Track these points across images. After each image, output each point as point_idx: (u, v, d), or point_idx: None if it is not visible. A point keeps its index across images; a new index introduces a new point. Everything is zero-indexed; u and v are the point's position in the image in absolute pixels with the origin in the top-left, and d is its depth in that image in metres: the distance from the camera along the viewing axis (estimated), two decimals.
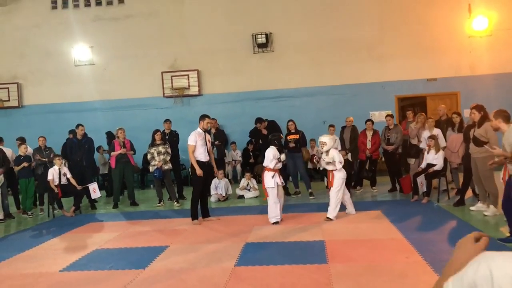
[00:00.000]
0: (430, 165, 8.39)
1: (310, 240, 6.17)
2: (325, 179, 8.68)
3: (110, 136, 11.58)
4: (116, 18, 14.19)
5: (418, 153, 9.08)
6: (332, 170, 7.37)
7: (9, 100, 14.38)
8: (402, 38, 12.99)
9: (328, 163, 7.38)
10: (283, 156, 7.49)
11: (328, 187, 7.68)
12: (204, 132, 7.60)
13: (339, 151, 9.95)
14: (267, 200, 7.32)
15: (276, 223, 7.16)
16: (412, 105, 13.08)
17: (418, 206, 8.14)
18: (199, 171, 7.40)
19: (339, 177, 7.34)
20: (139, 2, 14.09)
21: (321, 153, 7.77)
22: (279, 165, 7.43)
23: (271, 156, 7.31)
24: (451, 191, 8.97)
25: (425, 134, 8.87)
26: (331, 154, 7.37)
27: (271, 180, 7.20)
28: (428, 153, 8.52)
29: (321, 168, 8.24)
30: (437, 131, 8.94)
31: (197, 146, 7.45)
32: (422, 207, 8.01)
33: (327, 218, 7.25)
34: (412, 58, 12.98)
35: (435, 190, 8.66)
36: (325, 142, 7.46)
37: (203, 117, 7.65)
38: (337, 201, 7.31)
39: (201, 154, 7.49)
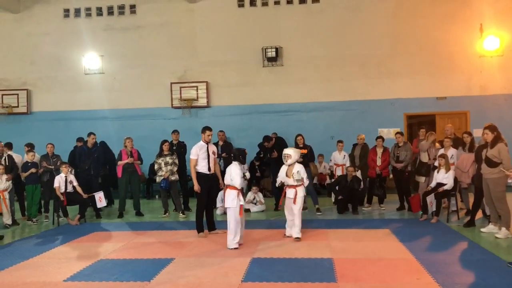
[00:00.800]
0: (439, 184, 8.29)
1: (318, 258, 6.07)
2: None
3: (104, 147, 11.45)
4: (127, 28, 14.27)
5: (429, 171, 8.98)
6: (294, 186, 7.11)
7: (18, 106, 14.42)
8: (413, 56, 12.97)
9: (296, 179, 7.06)
10: (247, 174, 7.18)
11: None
12: (207, 144, 7.54)
13: (347, 167, 9.98)
14: (228, 221, 6.70)
15: (235, 248, 6.64)
16: (420, 123, 13.03)
17: (427, 225, 8.02)
18: (196, 187, 7.39)
19: (301, 195, 7.13)
20: (150, 13, 14.17)
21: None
22: (244, 184, 7.04)
23: (240, 173, 6.75)
24: (461, 211, 8.85)
25: (441, 152, 8.75)
26: (296, 168, 7.15)
27: (234, 200, 6.66)
28: (438, 172, 8.41)
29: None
30: (453, 151, 8.83)
31: (198, 159, 7.42)
32: (431, 227, 7.89)
33: (296, 238, 7.06)
34: (422, 76, 12.94)
35: (444, 209, 8.54)
36: (289, 154, 7.21)
37: (204, 129, 7.58)
38: (300, 219, 7.15)
39: (204, 167, 7.45)
